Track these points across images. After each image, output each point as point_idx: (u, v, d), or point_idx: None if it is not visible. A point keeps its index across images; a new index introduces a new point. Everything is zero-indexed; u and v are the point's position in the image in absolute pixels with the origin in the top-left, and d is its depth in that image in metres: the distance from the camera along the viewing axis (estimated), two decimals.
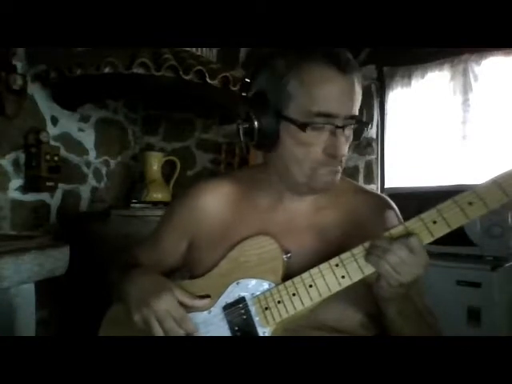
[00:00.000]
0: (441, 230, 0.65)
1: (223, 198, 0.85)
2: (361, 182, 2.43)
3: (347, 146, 0.75)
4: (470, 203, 0.63)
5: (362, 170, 2.45)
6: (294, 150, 0.74)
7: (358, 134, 0.77)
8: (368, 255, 0.66)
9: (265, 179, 0.83)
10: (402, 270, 0.63)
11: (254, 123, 0.73)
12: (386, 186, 2.45)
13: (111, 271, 0.92)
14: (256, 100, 0.74)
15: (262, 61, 0.77)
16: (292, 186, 0.79)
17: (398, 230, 0.66)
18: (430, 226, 0.65)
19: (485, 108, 2.16)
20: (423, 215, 0.65)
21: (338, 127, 0.71)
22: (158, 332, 0.73)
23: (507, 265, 1.75)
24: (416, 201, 1.91)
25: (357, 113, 0.74)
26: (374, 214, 0.76)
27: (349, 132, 0.74)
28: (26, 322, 1.32)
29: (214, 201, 0.85)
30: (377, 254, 0.64)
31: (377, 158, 2.47)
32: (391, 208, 0.80)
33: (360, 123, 0.76)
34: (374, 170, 2.46)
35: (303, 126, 0.70)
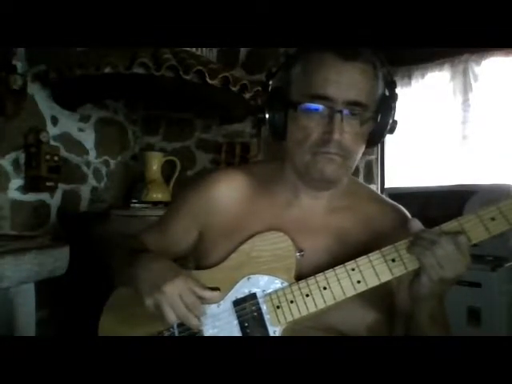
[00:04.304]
0: (499, 228, 0.64)
1: (238, 190, 0.83)
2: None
3: (349, 135, 0.71)
4: None
5: (362, 170, 2.45)
6: (295, 134, 0.74)
7: (372, 123, 0.74)
8: (413, 246, 0.65)
9: (281, 175, 0.82)
10: (446, 264, 0.63)
11: (265, 113, 0.76)
12: (386, 185, 2.45)
13: (112, 256, 0.90)
14: (270, 93, 0.77)
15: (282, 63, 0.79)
16: (299, 175, 0.78)
17: (449, 226, 0.65)
18: (488, 223, 0.64)
19: (485, 108, 2.16)
20: (480, 212, 0.64)
21: (336, 111, 0.70)
22: (171, 317, 0.70)
23: (507, 265, 1.75)
24: (416, 201, 1.93)
25: (362, 100, 0.71)
26: (395, 227, 0.76)
27: (353, 120, 0.71)
28: (26, 322, 1.32)
29: (229, 192, 0.83)
30: (423, 244, 0.64)
31: (377, 158, 2.46)
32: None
33: (375, 113, 0.73)
34: (374, 170, 2.46)
35: (295, 105, 0.72)
